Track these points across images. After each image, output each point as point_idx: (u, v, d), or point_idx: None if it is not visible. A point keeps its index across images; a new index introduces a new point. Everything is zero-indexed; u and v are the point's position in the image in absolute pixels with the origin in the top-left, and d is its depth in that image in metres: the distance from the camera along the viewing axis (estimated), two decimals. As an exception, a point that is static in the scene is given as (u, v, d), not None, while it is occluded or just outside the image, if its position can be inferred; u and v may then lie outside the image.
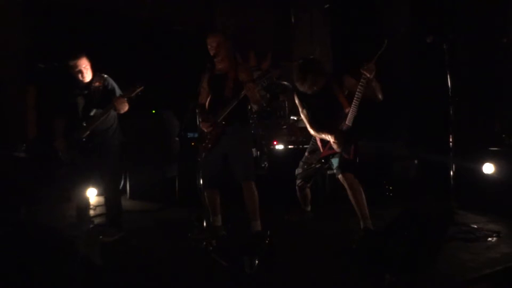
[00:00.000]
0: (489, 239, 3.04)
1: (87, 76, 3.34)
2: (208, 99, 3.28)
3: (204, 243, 2.89)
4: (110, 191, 3.46)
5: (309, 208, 3.81)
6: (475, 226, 3.27)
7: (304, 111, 3.40)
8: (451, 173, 3.39)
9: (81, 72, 3.29)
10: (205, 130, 3.16)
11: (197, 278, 2.53)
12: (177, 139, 5.23)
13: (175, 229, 3.70)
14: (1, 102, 4.70)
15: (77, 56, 3.28)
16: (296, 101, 3.45)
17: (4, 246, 2.03)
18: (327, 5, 6.01)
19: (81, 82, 3.33)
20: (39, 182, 4.53)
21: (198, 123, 3.29)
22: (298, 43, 6.45)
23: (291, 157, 4.69)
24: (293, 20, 6.54)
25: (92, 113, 3.31)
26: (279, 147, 4.84)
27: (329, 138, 3.19)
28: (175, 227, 3.80)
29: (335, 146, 3.18)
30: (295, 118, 5.02)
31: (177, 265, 2.77)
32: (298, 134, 4.97)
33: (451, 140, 3.37)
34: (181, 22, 6.00)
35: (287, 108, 5.21)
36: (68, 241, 2.23)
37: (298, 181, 3.62)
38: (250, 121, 4.00)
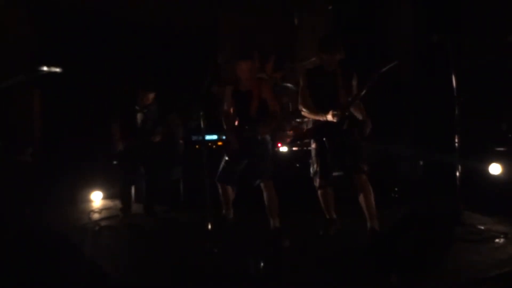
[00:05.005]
0: (497, 240, 3.00)
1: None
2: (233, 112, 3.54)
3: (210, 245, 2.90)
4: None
5: (335, 215, 3.39)
6: (482, 227, 3.24)
7: (306, 90, 3.29)
8: (457, 173, 3.35)
9: (148, 99, 4.24)
10: (232, 142, 3.43)
11: (201, 280, 2.52)
12: (181, 141, 5.24)
13: (179, 231, 3.71)
14: (7, 106, 4.74)
15: (152, 91, 4.24)
16: (301, 81, 3.35)
17: (9, 247, 2.05)
18: (330, 7, 6.01)
19: (143, 103, 4.23)
20: (45, 184, 4.56)
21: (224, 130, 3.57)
22: (301, 45, 6.45)
23: (295, 159, 4.69)
24: (296, 22, 6.54)
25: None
26: (283, 149, 4.83)
27: (325, 116, 3.13)
28: (180, 229, 3.80)
29: (334, 119, 3.08)
30: (299, 120, 5.00)
31: (182, 267, 2.76)
32: (302, 136, 4.94)
33: (457, 140, 3.34)
34: (185, 25, 6.02)
35: (291, 110, 5.20)
36: (73, 243, 2.24)
37: (317, 181, 3.29)
38: None
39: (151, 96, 4.27)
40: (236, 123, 3.51)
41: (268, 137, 3.47)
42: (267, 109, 3.37)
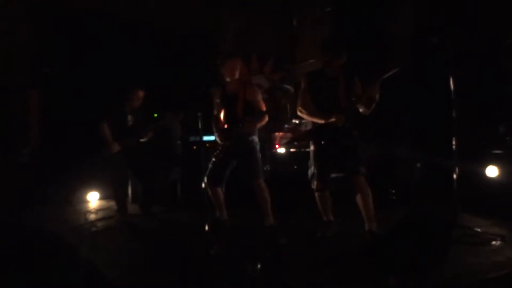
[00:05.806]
0: (493, 242, 3.01)
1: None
2: (222, 114, 3.56)
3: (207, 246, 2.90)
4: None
5: (332, 217, 3.39)
6: (479, 230, 3.24)
7: (307, 93, 3.29)
8: (455, 176, 3.36)
9: (138, 98, 4.34)
10: (219, 142, 3.47)
11: (198, 282, 2.51)
12: (179, 142, 5.24)
13: (177, 232, 3.70)
14: (5, 106, 4.73)
15: (141, 88, 4.36)
16: (303, 83, 3.33)
17: (5, 248, 2.04)
18: (329, 8, 6.01)
19: (133, 105, 4.33)
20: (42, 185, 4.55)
21: (213, 131, 3.60)
22: (300, 46, 6.46)
23: (293, 161, 4.68)
24: (295, 23, 6.55)
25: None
26: (281, 150, 4.83)
27: (328, 119, 3.13)
28: (177, 230, 3.80)
29: (336, 122, 3.10)
30: (297, 122, 5.00)
31: (179, 268, 2.76)
32: (300, 138, 4.94)
33: (454, 142, 3.35)
34: (184, 26, 6.02)
35: (289, 112, 5.20)
36: (70, 244, 2.23)
37: (315, 184, 3.28)
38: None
39: (141, 94, 4.32)
40: (226, 126, 3.52)
41: (256, 139, 3.49)
42: (253, 110, 3.40)
